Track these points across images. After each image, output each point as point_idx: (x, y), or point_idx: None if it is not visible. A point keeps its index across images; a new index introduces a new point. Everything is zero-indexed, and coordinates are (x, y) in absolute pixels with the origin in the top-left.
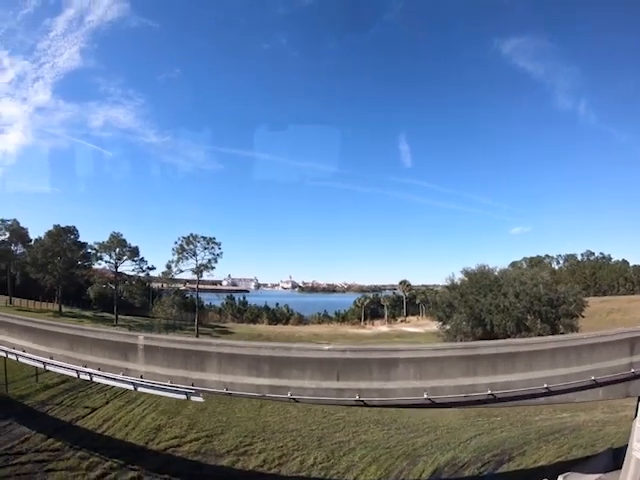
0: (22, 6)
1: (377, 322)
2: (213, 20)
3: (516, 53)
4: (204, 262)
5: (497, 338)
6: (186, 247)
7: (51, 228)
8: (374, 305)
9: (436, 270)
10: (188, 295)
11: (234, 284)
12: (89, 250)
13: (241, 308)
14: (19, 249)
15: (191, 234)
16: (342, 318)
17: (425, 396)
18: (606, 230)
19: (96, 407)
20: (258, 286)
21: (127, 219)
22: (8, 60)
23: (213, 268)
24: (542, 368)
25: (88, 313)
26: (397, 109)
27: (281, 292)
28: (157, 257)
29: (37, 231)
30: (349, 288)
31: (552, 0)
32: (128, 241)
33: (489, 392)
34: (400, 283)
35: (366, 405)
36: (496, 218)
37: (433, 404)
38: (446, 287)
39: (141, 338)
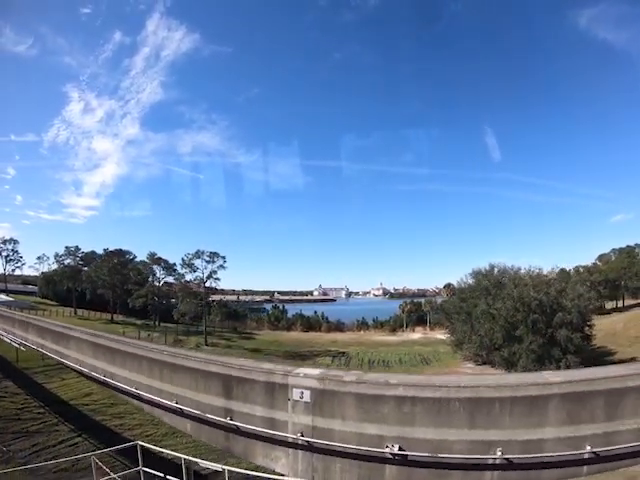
0: (101, 51)
1: (419, 328)
2: (282, 37)
3: (594, 24)
4: (208, 274)
5: (493, 349)
6: (187, 261)
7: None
8: (422, 311)
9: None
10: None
11: (325, 294)
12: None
13: (278, 316)
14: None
15: (198, 250)
16: (380, 324)
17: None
18: None
19: (66, 379)
20: (349, 294)
21: (223, 236)
22: (96, 101)
23: (218, 279)
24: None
25: (139, 322)
26: (479, 101)
27: (371, 299)
28: (255, 272)
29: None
30: (440, 292)
31: None
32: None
33: None
34: (444, 287)
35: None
36: (593, 207)
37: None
38: (454, 291)
39: (32, 318)
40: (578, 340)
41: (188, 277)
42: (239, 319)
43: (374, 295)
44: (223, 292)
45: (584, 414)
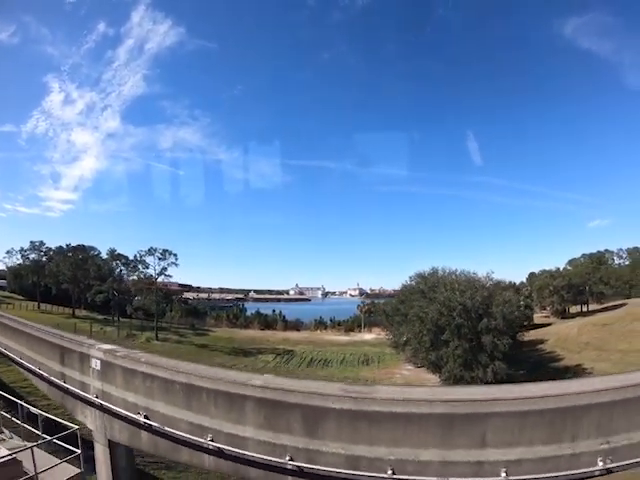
0: (84, 42)
1: (376, 329)
2: (269, 35)
3: (579, 33)
4: (160, 270)
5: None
6: (140, 258)
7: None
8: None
9: (508, 270)
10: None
11: (301, 293)
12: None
13: (237, 314)
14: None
15: (150, 247)
16: (337, 324)
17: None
18: None
19: (12, 365)
20: (326, 294)
21: (202, 233)
22: (77, 93)
23: (170, 276)
24: None
25: (100, 317)
26: (462, 106)
27: (348, 299)
28: (234, 270)
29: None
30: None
31: None
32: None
33: None
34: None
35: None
36: (573, 211)
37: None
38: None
39: None
40: (504, 347)
41: (149, 272)
42: (199, 316)
43: (350, 295)
44: (199, 290)
45: (281, 423)
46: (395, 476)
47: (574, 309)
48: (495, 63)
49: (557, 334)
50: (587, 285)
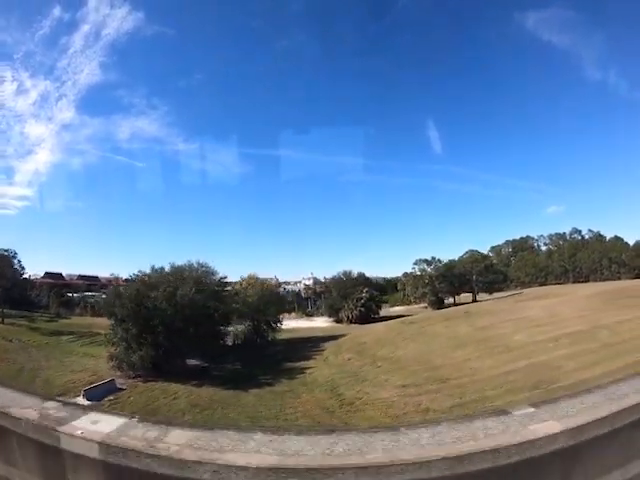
0: (38, 27)
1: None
2: (227, 22)
3: (540, 26)
4: None
5: None
6: None
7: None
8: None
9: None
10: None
11: None
12: None
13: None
14: None
15: None
16: None
17: None
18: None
19: None
20: (279, 284)
21: (162, 227)
22: (30, 82)
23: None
24: None
25: None
26: (422, 96)
27: (302, 289)
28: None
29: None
30: None
31: None
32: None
33: None
34: None
35: None
36: (531, 199)
37: None
38: None
39: None
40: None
41: None
42: (71, 307)
43: (305, 285)
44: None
45: None
46: None
47: (465, 298)
48: (457, 53)
49: (355, 331)
50: (473, 275)
